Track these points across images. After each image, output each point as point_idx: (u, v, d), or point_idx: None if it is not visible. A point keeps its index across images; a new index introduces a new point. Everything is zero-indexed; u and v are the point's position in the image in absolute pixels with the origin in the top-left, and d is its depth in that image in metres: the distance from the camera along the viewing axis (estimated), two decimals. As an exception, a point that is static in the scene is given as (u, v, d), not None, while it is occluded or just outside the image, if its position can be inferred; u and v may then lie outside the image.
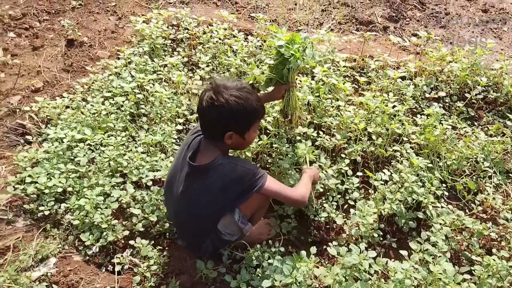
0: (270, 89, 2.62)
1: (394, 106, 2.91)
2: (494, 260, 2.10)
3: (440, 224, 2.29)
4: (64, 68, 3.68)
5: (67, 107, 3.09)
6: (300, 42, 2.43)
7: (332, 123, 2.88)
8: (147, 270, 2.10)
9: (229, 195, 2.06)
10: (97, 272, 2.17)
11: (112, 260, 2.22)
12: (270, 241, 2.33)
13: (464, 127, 2.99)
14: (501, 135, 2.98)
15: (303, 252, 2.10)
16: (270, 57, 2.63)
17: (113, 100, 3.05)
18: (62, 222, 2.39)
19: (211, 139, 2.09)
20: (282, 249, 2.26)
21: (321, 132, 2.82)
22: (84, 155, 2.65)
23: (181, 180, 2.08)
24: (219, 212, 2.11)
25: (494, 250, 2.29)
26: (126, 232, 2.32)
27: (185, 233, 2.27)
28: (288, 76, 2.47)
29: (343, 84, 3.03)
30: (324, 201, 2.51)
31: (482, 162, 2.77)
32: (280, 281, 1.93)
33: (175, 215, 2.22)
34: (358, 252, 2.00)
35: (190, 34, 3.88)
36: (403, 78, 3.38)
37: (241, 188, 2.05)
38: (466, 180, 2.64)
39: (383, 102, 2.91)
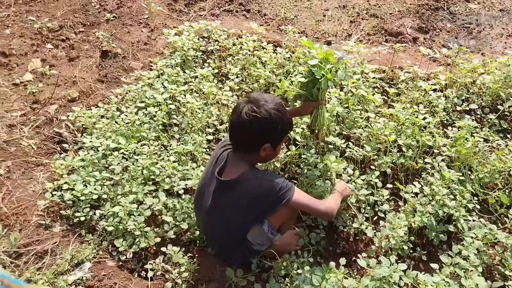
0: (298, 103, 2.65)
1: (424, 118, 2.89)
2: (529, 276, 2.06)
3: (472, 237, 2.25)
4: (99, 79, 3.82)
5: (102, 116, 3.20)
6: (333, 63, 2.45)
7: (361, 135, 2.88)
8: (178, 276, 2.14)
9: (257, 209, 2.09)
10: (130, 278, 2.24)
11: (144, 266, 2.28)
12: (298, 251, 2.35)
13: (497, 140, 2.94)
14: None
15: (332, 263, 2.11)
16: (302, 73, 2.64)
17: (146, 110, 3.14)
18: (96, 228, 2.47)
19: (243, 152, 2.13)
20: (311, 259, 2.27)
21: (350, 143, 2.82)
22: (118, 163, 2.73)
23: (209, 194, 2.13)
24: (248, 224, 2.14)
25: (528, 266, 2.23)
26: (158, 239, 2.38)
27: (215, 243, 2.32)
28: (318, 94, 2.49)
29: (373, 95, 3.03)
30: (353, 213, 2.50)
31: (515, 175, 2.71)
32: (310, 291, 1.94)
33: (205, 226, 2.27)
34: (389, 264, 2.00)
35: (220, 46, 3.96)
36: (433, 90, 3.35)
37: (268, 202, 2.07)
38: (499, 194, 2.59)
39: (414, 114, 2.89)
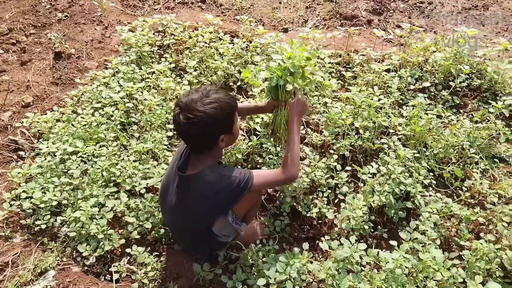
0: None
1: (379, 99, 2.96)
2: (482, 244, 2.16)
3: (429, 212, 2.33)
4: (53, 81, 3.72)
5: (58, 120, 3.12)
6: (298, 63, 2.27)
7: (319, 120, 2.92)
8: (145, 276, 2.14)
9: (219, 203, 2.10)
10: (96, 282, 2.21)
11: (110, 269, 2.26)
12: (264, 240, 2.38)
13: (449, 115, 3.04)
14: (486, 121, 3.03)
15: (296, 249, 2.15)
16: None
17: (103, 110, 3.09)
18: (59, 234, 2.43)
19: (200, 153, 2.10)
20: (277, 247, 2.30)
21: (309, 130, 2.86)
22: (77, 167, 2.68)
23: (174, 190, 2.12)
24: (212, 218, 2.15)
25: (482, 234, 2.34)
26: (123, 241, 2.36)
27: (182, 238, 2.32)
28: (277, 94, 2.36)
29: (329, 80, 3.08)
30: (315, 197, 2.55)
31: (468, 149, 2.81)
32: (275, 279, 1.98)
33: (171, 222, 2.27)
34: (349, 245, 2.05)
35: (176, 40, 3.92)
36: (388, 70, 3.43)
37: (231, 195, 2.06)
38: (453, 168, 2.69)
39: (369, 96, 2.95)
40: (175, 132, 3.06)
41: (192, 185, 2.05)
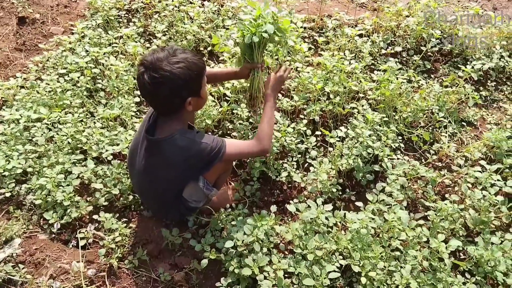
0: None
1: (350, 64, 2.94)
2: (446, 204, 2.21)
3: (396, 174, 2.37)
4: (17, 48, 3.56)
5: (22, 87, 3.01)
6: (267, 19, 2.20)
7: (290, 85, 2.89)
8: (112, 242, 2.12)
9: (189, 170, 2.06)
10: (63, 249, 2.19)
11: (77, 236, 2.23)
12: (234, 204, 2.39)
13: (419, 80, 3.05)
14: (456, 85, 3.06)
15: (264, 212, 2.16)
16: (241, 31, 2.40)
17: (68, 76, 2.99)
18: (24, 202, 2.38)
19: (168, 115, 2.03)
20: (246, 211, 2.31)
21: (280, 95, 2.83)
22: (42, 134, 2.61)
23: (142, 154, 2.08)
24: (182, 183, 2.12)
25: (448, 196, 2.39)
26: (91, 208, 2.33)
27: (151, 204, 2.30)
28: (252, 55, 2.28)
29: (300, 45, 3.03)
30: (285, 162, 2.56)
31: (437, 113, 2.85)
32: (242, 241, 1.99)
33: (139, 186, 2.24)
34: (315, 206, 2.07)
35: (145, 3, 3.78)
36: (360, 35, 3.40)
37: (202, 163, 2.03)
38: (422, 132, 2.72)
39: (340, 61, 2.93)
40: (143, 99, 2.99)
41: (162, 150, 2.00)
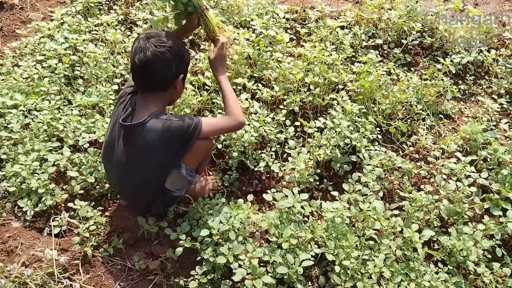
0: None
1: (331, 55, 2.94)
2: (421, 195, 2.24)
3: (372, 165, 2.39)
4: (-6, 33, 3.50)
5: (-2, 73, 2.96)
6: None
7: (271, 75, 2.89)
8: (87, 230, 2.10)
9: (170, 151, 2.03)
10: (37, 237, 2.17)
11: (51, 224, 2.21)
12: (212, 194, 2.38)
13: (398, 73, 3.08)
14: (435, 78, 3.09)
15: (240, 200, 2.16)
16: None
17: (46, 63, 2.93)
18: (-2, 190, 2.34)
19: (154, 91, 2.01)
20: (224, 200, 2.30)
21: (260, 85, 2.83)
22: (18, 121, 2.56)
23: (120, 147, 2.03)
24: (164, 170, 2.09)
25: (423, 187, 2.42)
26: (66, 196, 2.30)
27: (133, 199, 2.24)
28: (188, 3, 2.21)
29: (282, 36, 3.02)
30: (263, 152, 2.56)
31: (416, 106, 2.87)
32: (218, 229, 1.99)
33: (118, 180, 2.16)
34: (292, 195, 2.08)
35: (126, -9, 3.73)
36: (342, 27, 3.40)
37: (180, 141, 2.01)
38: (399, 123, 2.74)
39: (321, 52, 2.93)
40: (122, 86, 2.95)
41: (138, 135, 1.96)
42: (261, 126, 2.53)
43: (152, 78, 1.98)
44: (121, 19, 3.45)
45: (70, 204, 2.20)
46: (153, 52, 1.91)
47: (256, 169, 2.51)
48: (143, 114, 1.98)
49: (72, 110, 2.68)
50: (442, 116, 2.98)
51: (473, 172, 2.39)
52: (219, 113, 2.69)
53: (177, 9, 2.25)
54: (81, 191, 2.33)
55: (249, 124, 2.52)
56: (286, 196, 2.12)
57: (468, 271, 2.09)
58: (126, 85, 2.21)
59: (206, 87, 2.83)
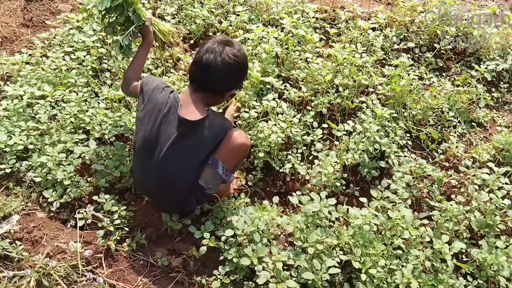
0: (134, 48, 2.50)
1: (361, 57, 2.88)
2: (452, 205, 2.17)
3: (402, 172, 2.32)
4: (24, 23, 3.52)
5: (27, 63, 2.97)
6: None
7: (299, 76, 2.84)
8: (111, 224, 2.10)
9: (212, 151, 2.07)
10: (61, 228, 2.17)
11: (76, 216, 2.21)
12: (236, 193, 2.36)
13: (431, 77, 2.99)
14: (467, 85, 3.00)
15: (266, 202, 2.13)
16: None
17: (74, 55, 2.94)
18: (24, 179, 2.35)
19: (209, 93, 2.07)
20: (248, 200, 2.28)
21: (288, 85, 2.78)
22: (45, 112, 2.57)
23: (166, 139, 2.00)
24: (200, 168, 2.07)
25: (453, 197, 2.35)
26: (91, 188, 2.30)
27: (167, 197, 2.16)
28: (134, 15, 2.26)
29: (312, 35, 2.97)
30: (289, 153, 2.51)
31: (447, 112, 2.79)
32: (243, 230, 1.96)
33: (158, 179, 2.06)
34: (318, 200, 2.03)
35: (155, -15, 3.72)
36: (373, 29, 3.33)
37: (219, 139, 2.08)
38: (430, 130, 2.67)
39: (351, 54, 2.87)
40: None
41: (198, 130, 2.02)
42: (288, 127, 2.48)
43: (210, 81, 2.04)
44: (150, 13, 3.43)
45: (95, 197, 2.20)
46: (223, 60, 1.98)
47: (281, 170, 2.47)
48: (194, 111, 2.02)
49: (98, 102, 2.68)
50: (474, 124, 2.89)
51: (507, 183, 2.31)
52: (245, 111, 2.65)
53: (126, 29, 2.29)
54: (106, 184, 2.34)
55: (275, 125, 2.48)
56: (312, 199, 2.08)
57: (498, 286, 2.01)
58: (156, 80, 2.20)
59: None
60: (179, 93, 2.12)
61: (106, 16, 2.33)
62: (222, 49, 1.99)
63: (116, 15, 2.29)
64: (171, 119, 2.01)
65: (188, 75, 2.16)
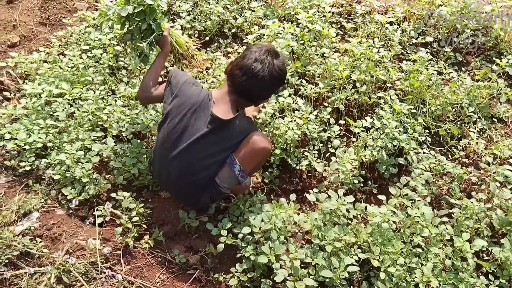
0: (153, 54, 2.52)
1: (379, 52, 2.84)
2: (472, 202, 2.12)
3: (421, 169, 2.29)
4: (41, 22, 3.56)
5: (45, 61, 3.00)
6: None
7: (316, 71, 2.81)
8: (129, 221, 2.11)
9: (234, 150, 2.09)
10: (80, 225, 2.19)
11: (94, 213, 2.22)
12: (253, 190, 2.35)
13: (450, 72, 2.94)
14: (487, 80, 2.93)
15: (283, 199, 2.12)
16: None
17: (91, 53, 2.96)
18: (43, 177, 2.38)
19: (244, 98, 2.09)
20: (265, 197, 2.27)
21: (304, 81, 2.76)
22: (63, 109, 2.60)
23: (194, 133, 2.02)
24: (220, 165, 2.09)
25: (474, 194, 2.31)
26: (109, 185, 2.32)
27: (184, 189, 2.16)
28: (154, 25, 2.27)
29: (328, 30, 2.94)
30: (306, 150, 2.49)
31: (467, 108, 2.74)
32: (260, 228, 1.95)
33: (179, 169, 2.08)
34: (336, 197, 2.01)
35: (170, -18, 3.72)
36: (390, 23, 3.28)
37: (241, 139, 2.09)
38: (450, 126, 2.62)
39: (369, 49, 2.83)
40: (165, 79, 2.95)
41: (227, 128, 2.04)
42: (304, 124, 2.46)
43: (252, 89, 2.06)
44: (165, 10, 3.44)
45: (113, 194, 2.22)
46: (271, 72, 2.02)
47: (297, 167, 2.45)
48: (224, 109, 2.05)
49: (116, 100, 2.70)
50: (494, 119, 2.82)
51: (530, 181, 2.26)
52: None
53: (144, 37, 2.30)
54: (124, 182, 2.35)
55: (292, 121, 2.46)
56: (330, 197, 2.06)
57: (521, 286, 1.97)
58: (182, 74, 2.22)
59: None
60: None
61: (126, 23, 2.32)
62: (272, 61, 2.02)
63: (137, 22, 2.28)
64: (202, 114, 2.04)
65: (226, 75, 2.14)
